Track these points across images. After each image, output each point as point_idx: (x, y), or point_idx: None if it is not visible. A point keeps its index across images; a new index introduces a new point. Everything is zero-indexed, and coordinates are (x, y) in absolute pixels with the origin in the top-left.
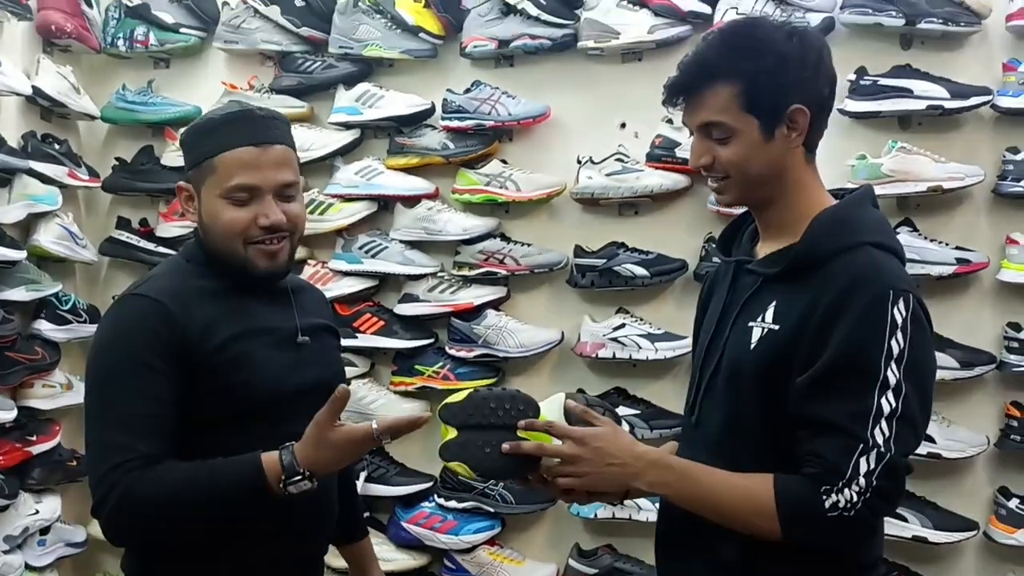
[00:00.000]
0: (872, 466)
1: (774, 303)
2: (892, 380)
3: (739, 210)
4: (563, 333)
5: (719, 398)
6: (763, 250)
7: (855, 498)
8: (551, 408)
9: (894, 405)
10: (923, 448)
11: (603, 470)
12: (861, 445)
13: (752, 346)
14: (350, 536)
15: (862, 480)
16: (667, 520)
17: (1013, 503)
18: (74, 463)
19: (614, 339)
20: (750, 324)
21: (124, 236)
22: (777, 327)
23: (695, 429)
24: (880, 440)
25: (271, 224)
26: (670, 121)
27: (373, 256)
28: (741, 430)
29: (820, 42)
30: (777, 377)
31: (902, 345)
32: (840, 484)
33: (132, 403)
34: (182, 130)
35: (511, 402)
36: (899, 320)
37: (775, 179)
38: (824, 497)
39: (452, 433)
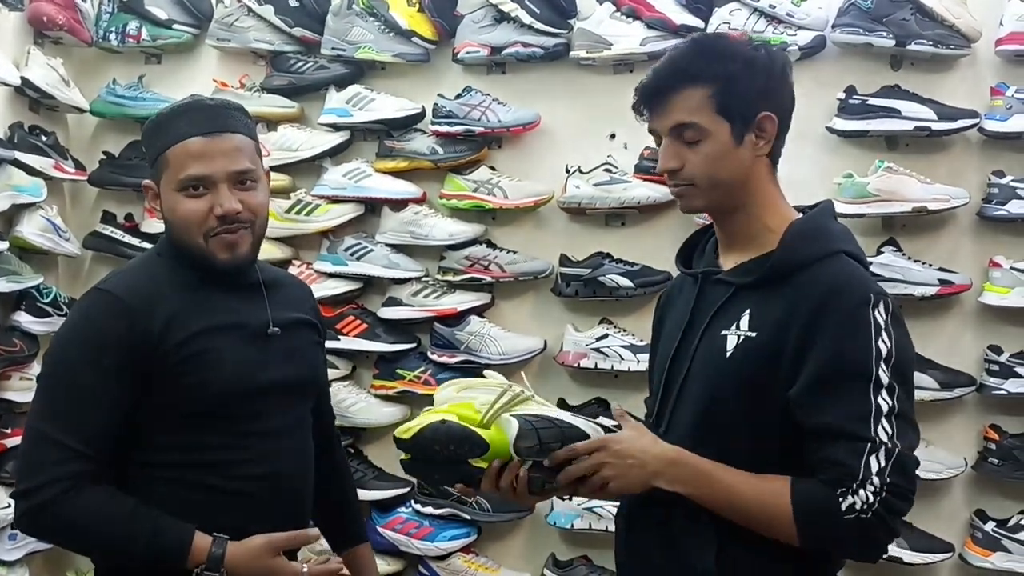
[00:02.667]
0: (883, 464)
1: (748, 311)
2: (884, 380)
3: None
4: (546, 342)
5: (691, 406)
6: (728, 261)
7: (871, 498)
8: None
9: (891, 403)
10: None
11: (625, 471)
12: (868, 444)
13: (728, 353)
14: (349, 540)
15: (875, 479)
16: (633, 526)
17: (989, 526)
18: None
19: (596, 349)
20: (723, 332)
21: (108, 231)
22: (754, 334)
23: (663, 437)
24: (885, 437)
25: (224, 213)
26: None
27: (358, 259)
28: (715, 435)
29: (784, 57)
30: (757, 382)
31: (889, 345)
32: (855, 485)
33: (80, 403)
34: (144, 127)
35: (457, 443)
36: (881, 322)
37: (741, 187)
38: (840, 500)
39: (405, 456)
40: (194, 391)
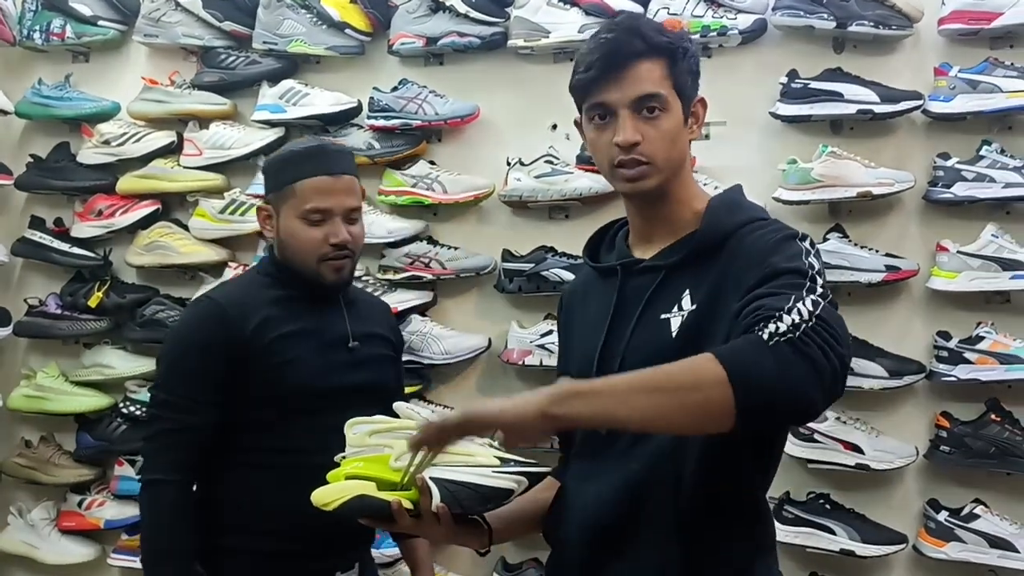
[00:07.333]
0: (811, 308)
1: (688, 290)
2: (816, 288)
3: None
4: (490, 340)
5: None
6: (647, 251)
7: (796, 321)
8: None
9: (819, 308)
10: (850, 459)
11: (512, 404)
12: (793, 296)
13: (675, 334)
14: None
15: (804, 310)
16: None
17: (942, 516)
18: None
19: (541, 346)
20: (663, 316)
21: (38, 236)
22: (695, 306)
23: (607, 436)
24: (808, 310)
25: (339, 242)
26: None
27: None
28: None
29: None
30: (706, 350)
31: (818, 266)
32: (778, 314)
33: (194, 388)
34: (269, 158)
35: (379, 515)
36: (810, 249)
37: (680, 170)
38: (760, 331)
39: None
40: (279, 384)
